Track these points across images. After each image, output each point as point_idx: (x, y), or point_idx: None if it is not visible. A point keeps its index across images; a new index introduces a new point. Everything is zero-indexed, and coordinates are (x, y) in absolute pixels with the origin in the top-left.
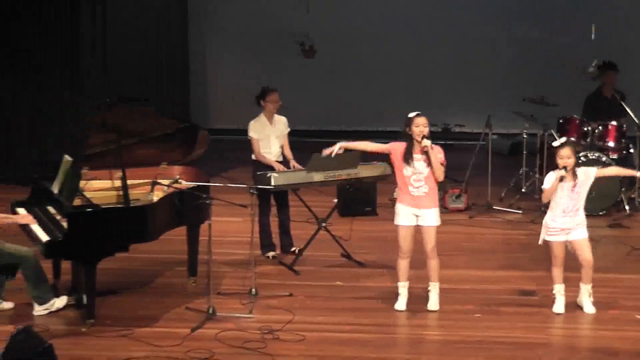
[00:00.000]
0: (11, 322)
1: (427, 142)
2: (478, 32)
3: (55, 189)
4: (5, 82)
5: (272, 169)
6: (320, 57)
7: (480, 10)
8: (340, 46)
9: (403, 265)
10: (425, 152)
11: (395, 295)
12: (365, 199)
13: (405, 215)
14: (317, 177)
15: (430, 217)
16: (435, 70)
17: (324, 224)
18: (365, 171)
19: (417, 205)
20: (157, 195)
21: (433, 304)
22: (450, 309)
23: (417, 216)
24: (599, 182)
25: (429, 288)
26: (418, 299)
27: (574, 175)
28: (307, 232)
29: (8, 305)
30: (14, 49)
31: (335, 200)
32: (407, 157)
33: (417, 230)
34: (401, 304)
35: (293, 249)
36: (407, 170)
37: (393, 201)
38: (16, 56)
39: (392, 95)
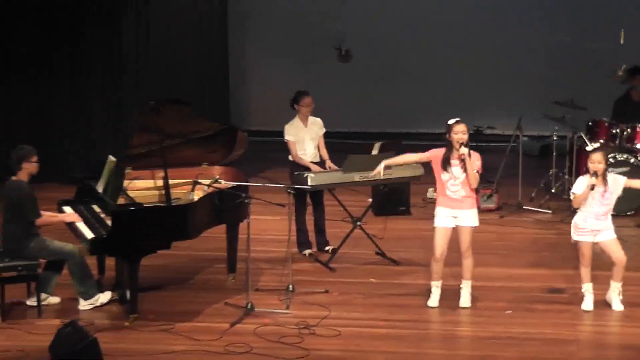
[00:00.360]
0: (58, 316)
1: (464, 150)
2: (510, 37)
3: (100, 188)
4: (53, 87)
5: (308, 169)
6: (355, 61)
7: (512, 15)
8: (375, 51)
9: (436, 267)
10: (462, 160)
11: (428, 292)
12: (399, 198)
13: (443, 217)
14: (353, 177)
15: (468, 218)
16: (468, 73)
17: (359, 223)
18: (399, 172)
19: (454, 207)
20: (197, 195)
21: (465, 301)
22: (482, 306)
23: (455, 217)
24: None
25: (462, 286)
26: (450, 296)
27: (604, 181)
28: (342, 231)
29: (55, 300)
30: (62, 56)
31: (370, 200)
32: (445, 163)
33: (454, 231)
34: (434, 301)
35: (327, 248)
36: (444, 175)
37: (426, 201)
38: (65, 62)
39: (425, 98)
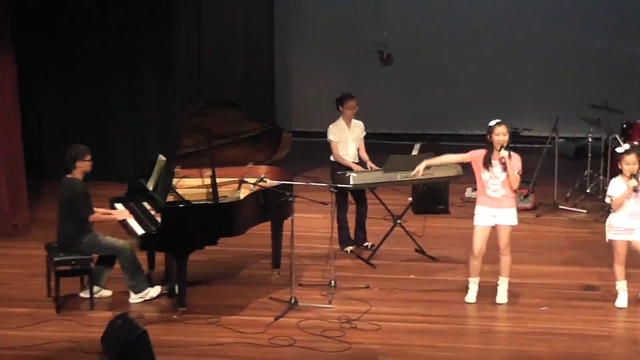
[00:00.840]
0: (110, 308)
1: (504, 153)
2: (548, 41)
3: (150, 186)
4: (107, 88)
5: (349, 169)
6: (396, 64)
7: (549, 19)
8: (415, 53)
9: (474, 264)
10: (503, 163)
11: (465, 288)
12: (438, 197)
13: (483, 216)
14: (393, 177)
15: (507, 217)
16: (506, 76)
17: (399, 221)
18: (438, 172)
19: (494, 206)
20: (243, 193)
21: (502, 297)
22: (518, 302)
23: (494, 216)
24: None
25: (499, 282)
26: (487, 292)
27: (637, 180)
28: (383, 229)
29: (107, 293)
30: (116, 58)
31: (410, 199)
32: (487, 163)
33: (493, 229)
34: (471, 297)
35: (366, 243)
36: (485, 175)
37: (465, 200)
38: (118, 64)
39: (464, 100)
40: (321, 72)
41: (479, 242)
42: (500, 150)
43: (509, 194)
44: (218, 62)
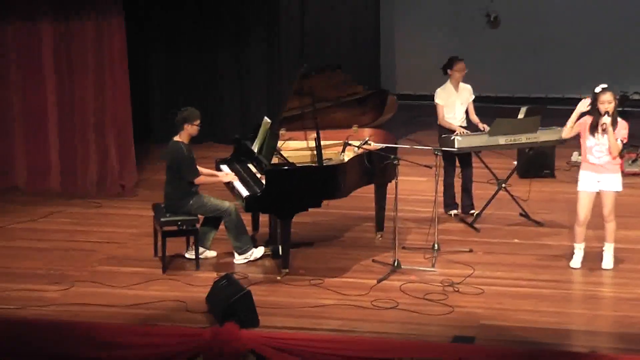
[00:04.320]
0: (214, 269)
1: (606, 120)
2: None
3: (255, 148)
4: (214, 54)
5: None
6: (503, 27)
7: None
8: (523, 16)
9: (579, 230)
10: (604, 130)
11: (571, 254)
12: (544, 161)
13: (586, 181)
14: (499, 140)
15: (611, 182)
16: (615, 39)
17: (503, 185)
18: (544, 135)
19: (598, 171)
20: (347, 156)
21: (607, 262)
22: (624, 268)
23: (598, 182)
24: None
25: (604, 248)
26: (593, 258)
27: None
28: (487, 192)
29: (212, 254)
30: (222, 25)
31: (515, 163)
32: (593, 130)
33: (597, 195)
34: (576, 262)
35: (472, 211)
36: (590, 141)
37: (570, 164)
38: (225, 30)
39: (572, 62)
40: (426, 35)
41: (584, 208)
42: (603, 116)
43: (613, 160)
44: (323, 26)
